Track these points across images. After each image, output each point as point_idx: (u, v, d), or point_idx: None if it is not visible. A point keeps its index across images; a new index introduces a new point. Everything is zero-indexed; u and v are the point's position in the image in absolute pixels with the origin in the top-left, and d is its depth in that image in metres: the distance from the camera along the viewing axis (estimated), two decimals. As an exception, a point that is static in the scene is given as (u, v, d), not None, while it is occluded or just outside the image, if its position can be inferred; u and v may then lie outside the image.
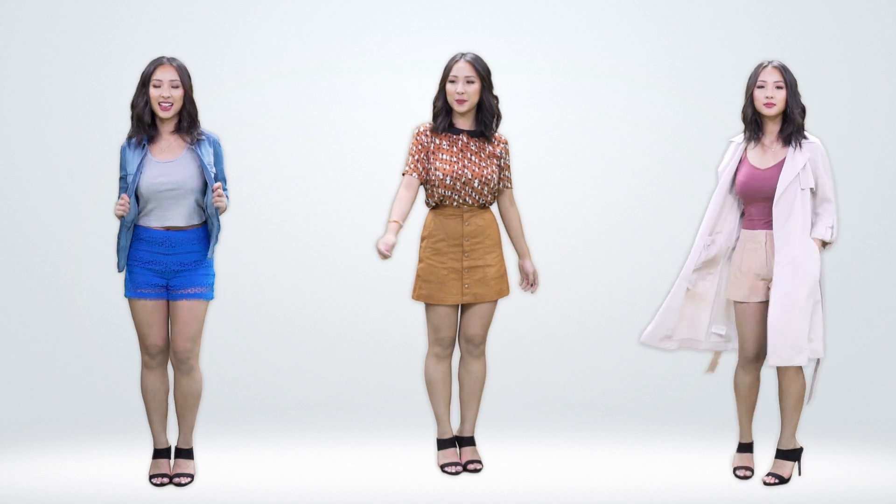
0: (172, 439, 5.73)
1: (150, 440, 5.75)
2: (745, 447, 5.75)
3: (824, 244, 5.60)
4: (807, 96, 7.57)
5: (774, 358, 5.48)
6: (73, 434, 6.69)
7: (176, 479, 5.56)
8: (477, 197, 5.73)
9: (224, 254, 7.67)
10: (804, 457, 5.82)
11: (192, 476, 5.60)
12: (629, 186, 7.78)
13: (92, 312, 7.50)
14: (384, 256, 5.54)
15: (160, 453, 5.62)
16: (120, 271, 5.50)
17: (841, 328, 7.37)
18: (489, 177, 5.72)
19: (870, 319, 7.54)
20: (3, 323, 7.53)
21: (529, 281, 5.97)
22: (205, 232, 5.50)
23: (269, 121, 7.76)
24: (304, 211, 7.77)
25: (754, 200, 5.59)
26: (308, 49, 7.78)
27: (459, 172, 5.69)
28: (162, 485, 5.54)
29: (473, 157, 5.72)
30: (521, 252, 5.95)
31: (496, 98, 5.76)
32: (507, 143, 5.83)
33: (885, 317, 7.59)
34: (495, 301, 5.85)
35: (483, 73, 5.70)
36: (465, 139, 5.74)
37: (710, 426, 6.64)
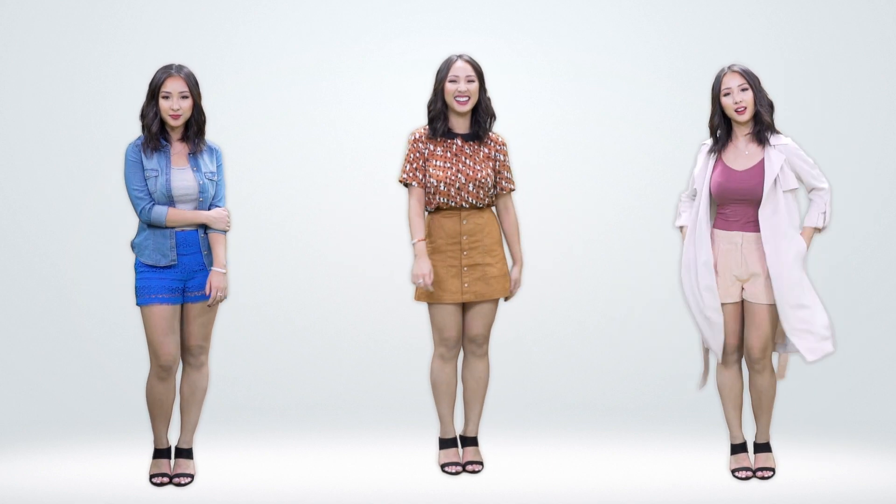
0: (173, 439, 5.72)
1: (149, 440, 5.75)
2: (739, 448, 5.75)
3: (817, 230, 5.61)
4: (807, 96, 7.60)
5: (811, 355, 5.56)
6: (73, 434, 6.69)
7: (176, 479, 5.56)
8: (473, 200, 5.72)
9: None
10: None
11: (192, 476, 5.60)
12: (629, 186, 7.78)
13: (92, 312, 7.50)
14: (428, 286, 5.68)
15: (161, 453, 5.63)
16: (162, 264, 5.49)
17: (841, 328, 7.37)
18: (483, 179, 5.70)
19: (870, 319, 7.54)
20: (3, 323, 7.53)
21: (508, 288, 5.88)
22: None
23: (269, 121, 7.76)
24: (304, 211, 7.77)
25: (730, 202, 5.61)
26: (308, 49, 7.78)
27: (453, 178, 5.69)
28: (162, 484, 5.54)
29: (468, 161, 5.71)
30: (514, 257, 5.88)
31: (489, 98, 5.78)
32: (504, 144, 5.80)
33: (885, 317, 7.59)
34: (497, 300, 5.83)
35: (480, 73, 5.72)
36: (459, 143, 5.73)
37: (710, 426, 6.64)
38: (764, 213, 5.53)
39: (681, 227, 5.78)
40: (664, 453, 6.24)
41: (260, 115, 7.74)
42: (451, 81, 5.68)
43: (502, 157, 5.77)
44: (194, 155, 5.49)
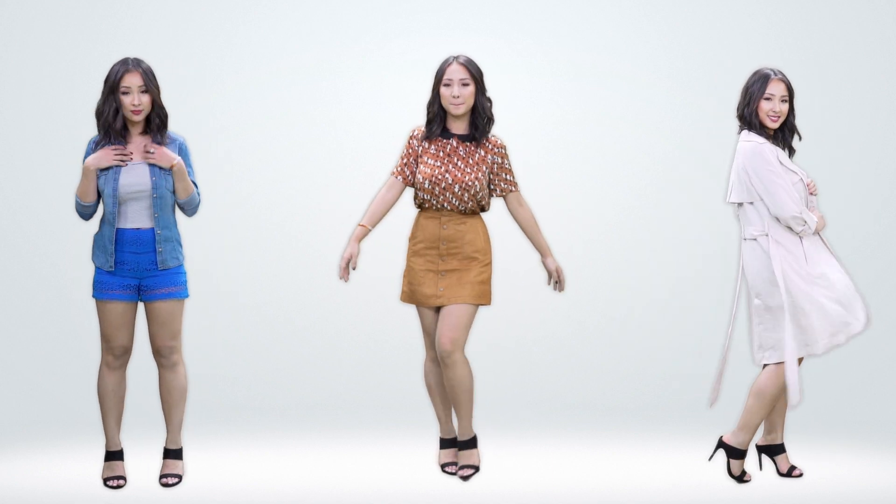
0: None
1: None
2: (744, 453, 5.67)
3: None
4: (807, 96, 7.59)
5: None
6: (72, 434, 6.69)
7: (164, 480, 5.49)
8: (457, 202, 5.62)
9: (225, 254, 7.70)
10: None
11: (180, 477, 5.53)
12: (629, 186, 7.78)
13: (92, 312, 7.46)
14: (343, 274, 5.67)
15: (113, 455, 5.54)
16: (105, 268, 5.44)
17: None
18: (470, 183, 5.59)
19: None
20: (3, 323, 7.53)
21: (554, 279, 5.81)
22: (173, 231, 5.49)
23: (269, 121, 7.76)
24: (304, 211, 7.77)
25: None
26: (308, 49, 7.78)
27: (440, 177, 5.60)
28: (118, 487, 5.44)
29: (459, 163, 5.62)
30: (541, 250, 5.78)
31: (489, 101, 5.66)
32: (503, 147, 5.69)
33: (885, 317, 7.58)
34: (469, 306, 5.62)
35: (477, 75, 5.59)
36: (454, 143, 5.65)
37: (710, 426, 6.63)
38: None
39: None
40: (664, 453, 6.24)
41: (260, 115, 7.74)
42: (445, 85, 5.58)
43: (500, 160, 5.67)
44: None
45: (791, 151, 5.63)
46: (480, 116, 5.63)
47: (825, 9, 7.69)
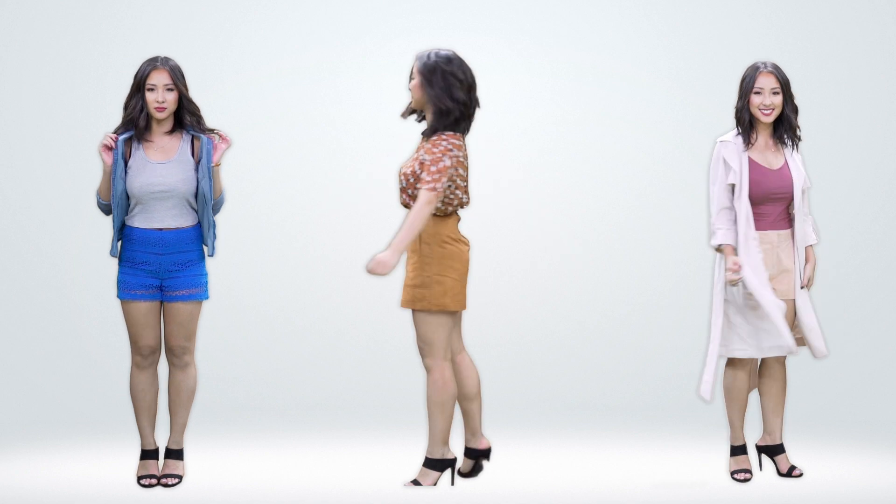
0: (161, 440, 5.65)
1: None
2: (740, 449, 5.69)
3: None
4: (806, 96, 7.59)
5: (823, 351, 5.55)
6: (73, 434, 6.69)
7: (164, 480, 5.48)
8: (401, 197, 5.30)
9: (224, 254, 7.67)
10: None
11: (180, 477, 5.52)
12: (629, 186, 7.79)
13: (91, 312, 7.50)
14: None
15: (148, 454, 5.55)
16: (114, 255, 5.45)
17: (841, 327, 7.38)
18: (400, 178, 5.25)
19: (870, 319, 7.54)
20: (3, 323, 7.53)
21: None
22: (197, 232, 5.47)
23: (269, 121, 7.76)
24: (304, 211, 7.78)
25: (767, 201, 5.52)
26: (308, 49, 7.79)
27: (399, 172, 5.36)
28: (150, 486, 5.47)
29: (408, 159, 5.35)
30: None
31: (435, 96, 5.18)
32: (433, 143, 5.18)
33: (885, 317, 7.59)
34: (418, 314, 5.22)
35: (420, 70, 5.20)
36: (420, 140, 5.34)
37: (710, 426, 6.65)
38: (796, 212, 5.51)
39: (719, 246, 5.48)
40: (664, 453, 6.24)
41: (260, 115, 7.75)
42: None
43: (423, 154, 5.20)
44: (192, 146, 5.44)
45: (794, 142, 5.58)
46: (433, 112, 5.21)
47: (825, 9, 7.69)
